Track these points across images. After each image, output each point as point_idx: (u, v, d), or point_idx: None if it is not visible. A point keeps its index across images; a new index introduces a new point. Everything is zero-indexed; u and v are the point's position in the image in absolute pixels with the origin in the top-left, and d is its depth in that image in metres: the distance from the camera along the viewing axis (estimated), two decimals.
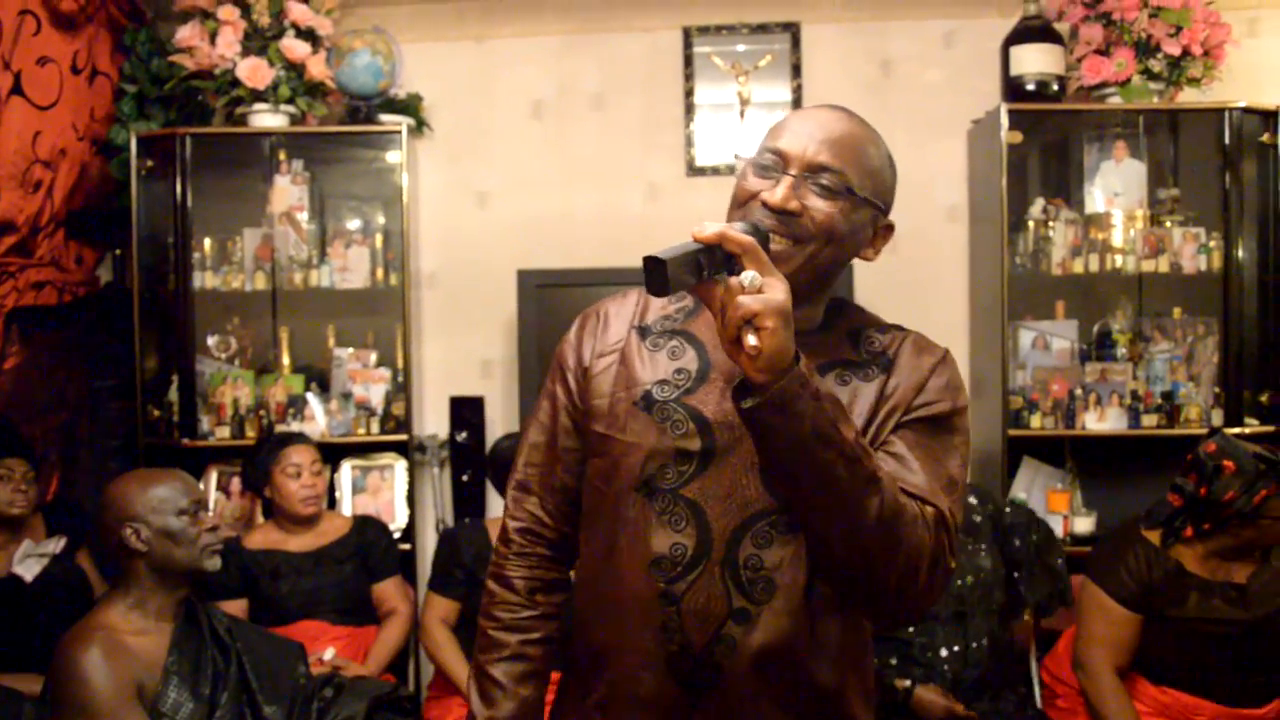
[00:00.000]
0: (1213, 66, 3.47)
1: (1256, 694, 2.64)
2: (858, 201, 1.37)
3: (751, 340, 1.15)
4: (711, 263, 1.18)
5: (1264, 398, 3.53)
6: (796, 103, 3.81)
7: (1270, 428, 3.46)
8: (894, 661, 2.72)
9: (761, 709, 1.36)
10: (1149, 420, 3.45)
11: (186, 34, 3.47)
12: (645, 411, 1.40)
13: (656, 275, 1.15)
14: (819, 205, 1.35)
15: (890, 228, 1.45)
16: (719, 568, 1.35)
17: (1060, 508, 3.48)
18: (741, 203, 1.39)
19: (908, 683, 2.67)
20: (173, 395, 3.57)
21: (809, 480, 1.24)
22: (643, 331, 1.48)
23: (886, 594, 1.32)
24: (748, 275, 1.16)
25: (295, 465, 3.14)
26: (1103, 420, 3.46)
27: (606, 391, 1.45)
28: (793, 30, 3.83)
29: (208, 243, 3.59)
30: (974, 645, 2.76)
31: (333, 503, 3.57)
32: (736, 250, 1.17)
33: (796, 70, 3.83)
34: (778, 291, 1.16)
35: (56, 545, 3.01)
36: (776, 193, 1.34)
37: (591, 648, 1.45)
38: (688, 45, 3.85)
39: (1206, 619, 2.60)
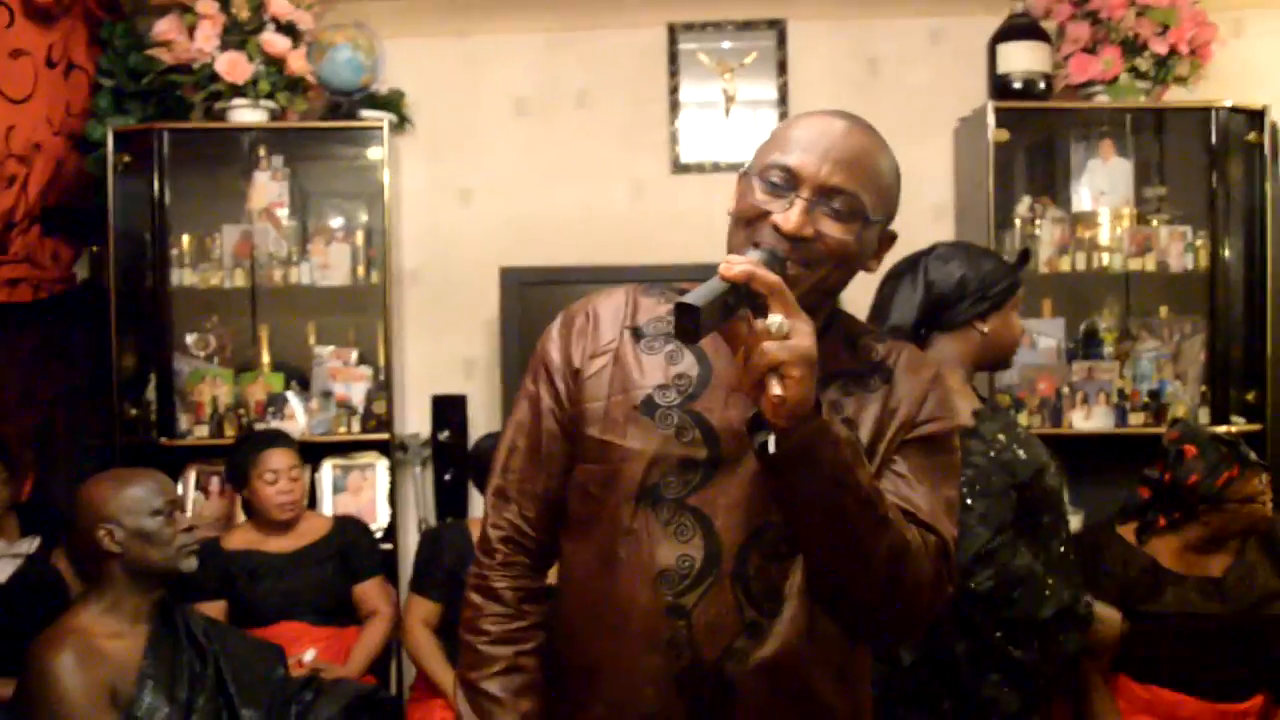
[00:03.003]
0: (1199, 66, 3.48)
1: (1239, 688, 2.63)
2: (870, 223, 1.34)
3: (777, 390, 1.12)
4: (737, 300, 1.14)
5: (1250, 396, 3.53)
6: (782, 100, 3.79)
7: (1257, 426, 3.46)
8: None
9: None
10: (1136, 419, 3.45)
11: (164, 28, 3.42)
12: (647, 416, 1.35)
13: (689, 322, 1.10)
14: (832, 230, 1.31)
15: (893, 237, 1.41)
16: (729, 580, 1.31)
17: None
18: (749, 220, 1.33)
19: (1088, 597, 2.25)
20: (150, 394, 3.52)
21: (821, 521, 1.23)
22: (636, 333, 1.41)
23: (884, 622, 1.33)
24: (775, 320, 1.13)
25: (273, 472, 3.10)
26: (1090, 419, 3.45)
27: (602, 394, 1.38)
28: (779, 27, 3.81)
29: (186, 239, 3.54)
30: None
31: (313, 502, 3.52)
32: (764, 290, 1.14)
33: (782, 67, 3.81)
34: (804, 338, 1.13)
35: (30, 545, 2.97)
36: (790, 217, 1.29)
37: (584, 664, 1.38)
38: (673, 42, 3.82)
39: (1184, 614, 2.59)
